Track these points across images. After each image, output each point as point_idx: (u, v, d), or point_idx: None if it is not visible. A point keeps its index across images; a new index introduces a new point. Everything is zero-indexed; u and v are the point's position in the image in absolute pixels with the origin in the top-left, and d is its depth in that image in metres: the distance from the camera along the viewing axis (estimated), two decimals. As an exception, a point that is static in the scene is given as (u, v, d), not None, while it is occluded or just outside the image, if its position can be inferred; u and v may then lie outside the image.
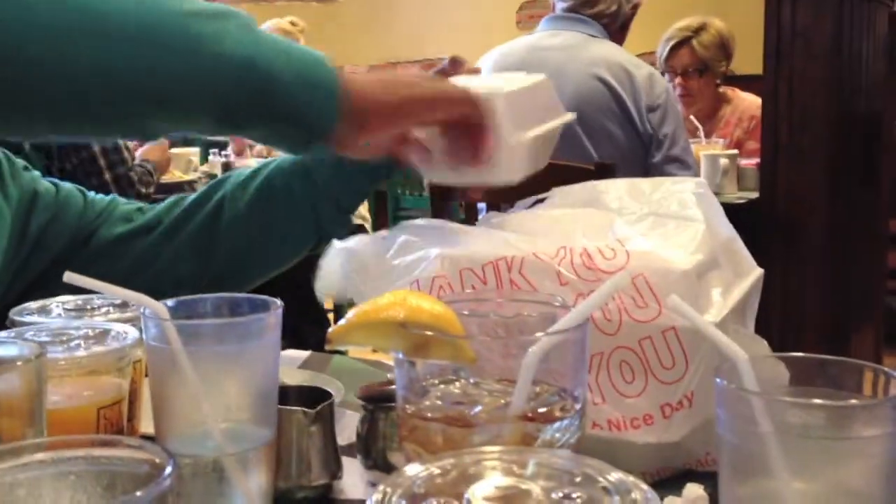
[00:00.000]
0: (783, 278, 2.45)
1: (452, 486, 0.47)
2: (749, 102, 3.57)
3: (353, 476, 0.79)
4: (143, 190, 3.11)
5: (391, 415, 0.76)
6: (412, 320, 0.61)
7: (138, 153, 3.33)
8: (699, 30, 3.41)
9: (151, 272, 1.07)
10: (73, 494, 0.42)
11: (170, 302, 0.66)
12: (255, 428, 0.66)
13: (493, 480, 0.47)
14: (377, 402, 0.78)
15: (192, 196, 1.11)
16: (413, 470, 0.47)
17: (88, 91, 0.77)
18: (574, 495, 0.45)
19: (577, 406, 0.63)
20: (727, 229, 0.88)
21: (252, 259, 1.08)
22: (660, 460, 0.80)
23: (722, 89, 3.57)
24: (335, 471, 0.77)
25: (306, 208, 1.06)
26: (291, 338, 1.57)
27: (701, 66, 3.39)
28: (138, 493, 0.41)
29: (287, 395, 0.78)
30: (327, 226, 1.07)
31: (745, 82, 3.80)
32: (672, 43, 3.39)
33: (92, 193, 1.13)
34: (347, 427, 0.82)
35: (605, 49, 2.46)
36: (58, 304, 0.81)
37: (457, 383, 0.64)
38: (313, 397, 0.78)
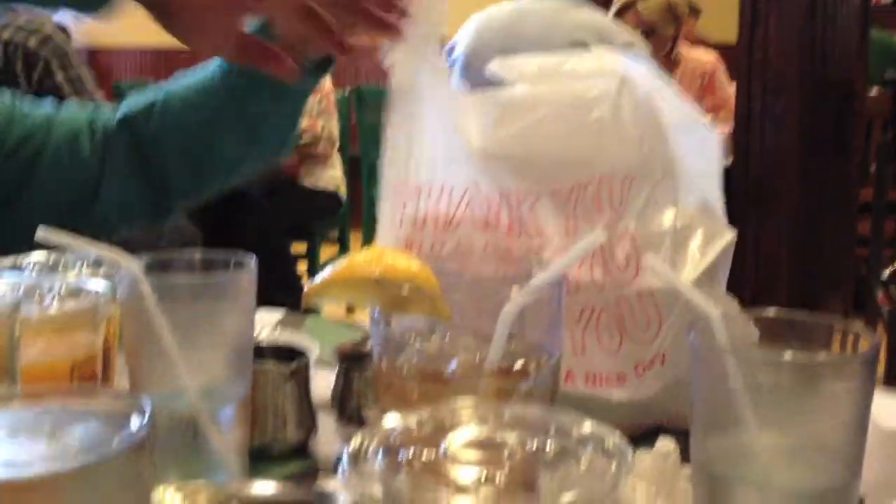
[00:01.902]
0: (755, 244, 2.47)
1: (428, 437, 0.48)
2: (697, 60, 3.58)
3: (327, 433, 0.79)
4: None
5: (366, 372, 0.77)
6: (388, 277, 0.61)
7: None
8: None
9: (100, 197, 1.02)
10: (49, 442, 0.42)
11: (143, 258, 0.66)
12: (231, 385, 0.66)
13: (468, 432, 0.47)
14: (352, 359, 0.79)
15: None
16: (389, 422, 0.48)
17: None
18: (548, 445, 0.46)
19: (552, 362, 0.64)
20: (703, 191, 0.89)
21: (197, 151, 1.03)
22: (632, 417, 0.81)
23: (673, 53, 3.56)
24: (310, 427, 0.77)
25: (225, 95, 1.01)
26: (263, 303, 1.55)
27: (647, 30, 3.36)
28: (115, 441, 0.41)
29: (262, 352, 0.78)
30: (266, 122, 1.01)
31: (720, 49, 3.81)
32: (617, 7, 3.36)
33: (27, 108, 1.05)
34: (322, 385, 0.82)
35: (587, 15, 2.45)
36: (30, 261, 0.80)
37: (432, 340, 0.64)
38: (289, 355, 0.78)
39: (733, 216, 0.91)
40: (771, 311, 0.57)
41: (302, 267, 3.66)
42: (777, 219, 2.47)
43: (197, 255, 0.69)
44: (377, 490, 0.46)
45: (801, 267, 2.49)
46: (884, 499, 0.67)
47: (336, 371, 0.80)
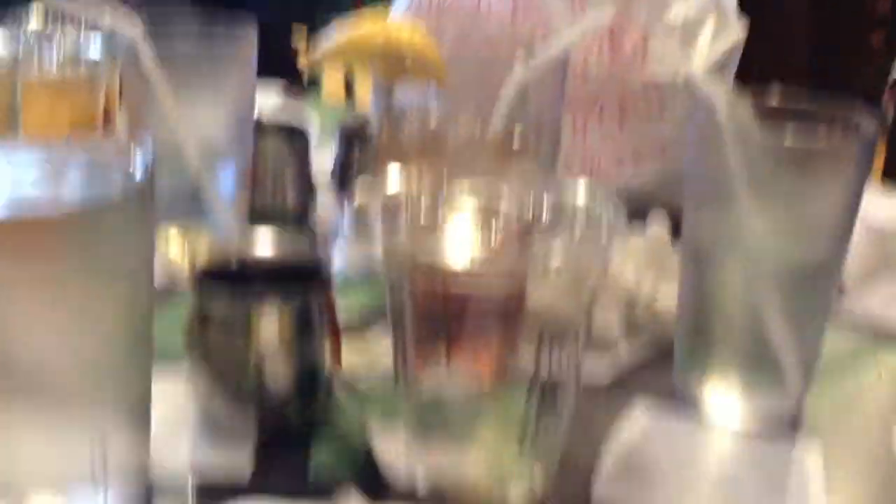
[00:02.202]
0: (764, 57, 2.43)
1: (427, 203, 0.49)
2: None
3: (327, 208, 0.80)
4: None
5: (368, 145, 0.77)
6: (391, 46, 0.60)
7: None
8: None
9: None
10: (52, 185, 0.43)
11: (143, 21, 0.64)
12: (231, 150, 0.66)
13: (466, 199, 0.49)
14: (353, 134, 0.79)
15: None
16: (390, 186, 0.49)
17: None
18: (543, 215, 0.47)
19: (552, 144, 0.64)
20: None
21: None
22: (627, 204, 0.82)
23: None
24: (310, 197, 0.78)
25: None
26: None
27: None
28: (118, 183, 0.42)
29: (264, 127, 0.77)
30: None
31: None
32: None
33: None
34: (324, 160, 0.82)
35: None
36: (27, 27, 0.78)
37: (433, 112, 0.64)
38: (290, 130, 0.78)
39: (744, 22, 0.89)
40: (774, 96, 0.56)
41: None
42: (787, 36, 2.42)
43: (197, 21, 0.68)
44: (377, 249, 0.48)
45: (810, 82, 2.46)
46: (862, 290, 0.69)
47: (336, 147, 0.80)
